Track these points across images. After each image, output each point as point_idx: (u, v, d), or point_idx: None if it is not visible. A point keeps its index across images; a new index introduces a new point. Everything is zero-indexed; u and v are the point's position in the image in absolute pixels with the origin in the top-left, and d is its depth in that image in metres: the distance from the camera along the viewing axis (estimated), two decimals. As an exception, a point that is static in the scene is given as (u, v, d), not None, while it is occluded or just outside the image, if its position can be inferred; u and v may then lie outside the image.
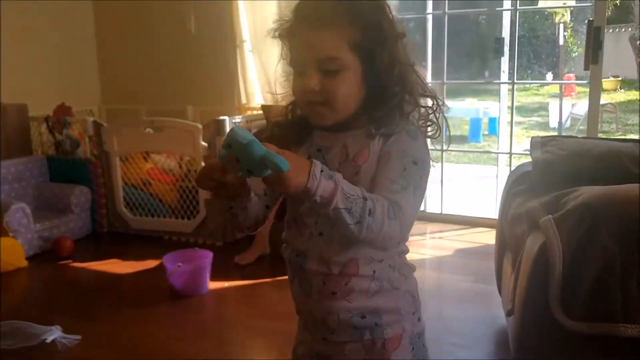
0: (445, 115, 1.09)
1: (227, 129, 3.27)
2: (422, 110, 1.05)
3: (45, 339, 2.23)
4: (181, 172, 3.55)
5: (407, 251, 1.10)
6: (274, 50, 3.75)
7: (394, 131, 1.01)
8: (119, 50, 4.58)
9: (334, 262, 1.03)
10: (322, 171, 0.89)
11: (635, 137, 3.77)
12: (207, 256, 2.75)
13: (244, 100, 4.00)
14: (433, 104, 1.06)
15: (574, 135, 4.44)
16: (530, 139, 2.37)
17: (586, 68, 3.21)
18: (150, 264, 3.09)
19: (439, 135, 1.07)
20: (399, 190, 0.96)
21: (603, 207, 1.45)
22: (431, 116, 1.05)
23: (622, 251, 1.41)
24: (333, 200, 0.89)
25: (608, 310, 1.42)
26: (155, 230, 3.54)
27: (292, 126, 1.11)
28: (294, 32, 1.02)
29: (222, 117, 3.29)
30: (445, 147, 1.35)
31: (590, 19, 3.13)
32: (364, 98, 1.02)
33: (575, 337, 1.47)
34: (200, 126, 3.33)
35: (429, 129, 1.06)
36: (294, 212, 1.08)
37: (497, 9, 3.94)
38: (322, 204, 0.90)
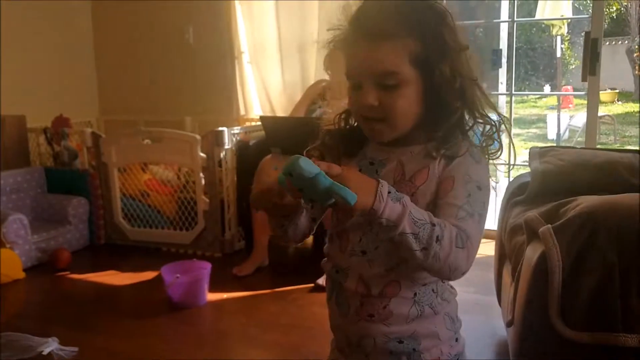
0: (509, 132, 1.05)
1: (226, 140, 3.27)
2: (485, 128, 1.00)
3: (42, 351, 2.21)
4: (179, 183, 3.54)
5: None
6: (273, 62, 3.75)
7: (457, 153, 0.96)
8: (118, 61, 4.59)
9: (374, 283, 0.99)
10: (389, 192, 0.86)
11: (633, 148, 3.78)
12: (206, 267, 2.74)
13: (242, 112, 4.00)
14: (496, 122, 1.00)
15: (572, 146, 4.44)
16: (528, 150, 2.37)
17: (584, 79, 3.22)
18: (149, 275, 3.07)
19: (500, 154, 1.02)
20: (465, 217, 0.92)
21: (602, 217, 1.45)
22: (494, 135, 1.01)
23: (622, 261, 1.41)
24: (400, 224, 0.85)
25: (608, 319, 1.42)
26: (154, 241, 3.53)
27: (344, 136, 1.07)
28: (350, 43, 0.97)
29: (220, 128, 3.30)
30: (512, 163, 1.22)
31: (588, 30, 3.15)
32: (423, 113, 0.97)
33: (575, 347, 1.47)
34: (198, 137, 3.33)
35: (490, 148, 1.01)
36: (339, 226, 1.04)
37: (495, 20, 3.97)
38: (388, 228, 0.86)
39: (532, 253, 1.56)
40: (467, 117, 0.99)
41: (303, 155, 0.86)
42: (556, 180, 2.06)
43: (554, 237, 1.48)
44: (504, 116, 1.02)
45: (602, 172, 2.10)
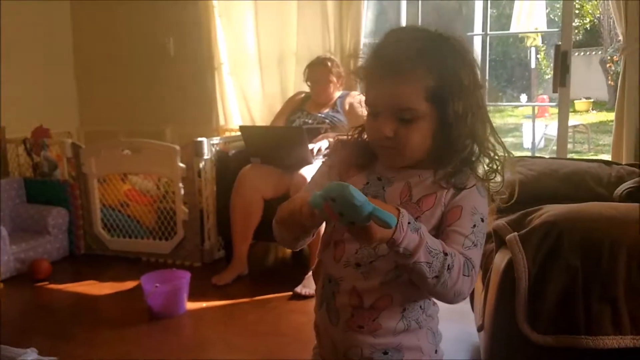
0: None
1: (205, 150, 3.30)
2: (490, 164, 1.05)
3: (21, 362, 2.23)
4: (159, 193, 3.57)
5: None
6: (253, 73, 3.81)
7: (465, 185, 1.01)
8: (98, 72, 4.60)
9: (367, 295, 1.03)
10: (409, 223, 0.89)
11: (606, 156, 3.88)
12: (185, 277, 2.76)
13: (222, 122, 4.04)
14: (501, 158, 1.04)
15: (544, 156, 4.55)
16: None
17: (554, 91, 3.32)
18: (128, 285, 3.08)
19: (500, 188, 1.06)
20: (471, 247, 0.98)
21: (565, 225, 1.51)
22: (498, 168, 1.04)
23: (584, 267, 1.46)
24: (416, 254, 0.90)
25: (571, 323, 1.47)
26: (133, 251, 3.54)
27: (356, 149, 1.11)
28: (372, 75, 1.02)
29: (200, 139, 3.33)
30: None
31: (558, 43, 3.25)
32: (435, 145, 1.02)
33: (542, 350, 1.51)
34: (178, 147, 3.36)
35: (492, 183, 1.05)
36: (337, 234, 1.07)
37: (468, 33, 4.05)
38: (404, 256, 0.90)
39: (500, 260, 1.62)
40: (475, 149, 1.03)
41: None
42: (526, 189, 2.11)
43: (520, 244, 1.53)
44: (511, 153, 1.07)
45: (569, 182, 2.18)
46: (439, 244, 0.94)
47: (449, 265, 0.93)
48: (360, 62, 1.05)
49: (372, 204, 0.85)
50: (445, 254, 0.93)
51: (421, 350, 1.07)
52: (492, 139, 1.04)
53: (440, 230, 1.02)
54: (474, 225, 1.00)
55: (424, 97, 0.98)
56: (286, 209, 0.97)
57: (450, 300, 0.98)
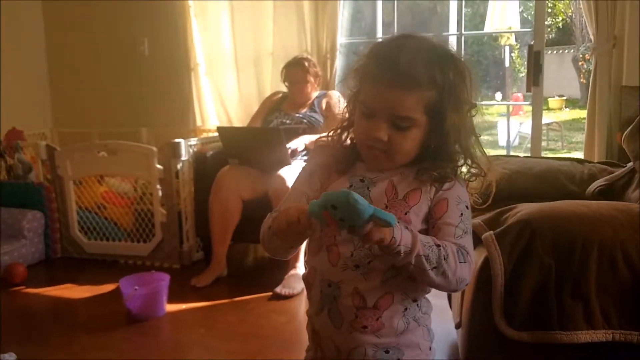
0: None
1: (183, 152, 3.29)
2: (472, 170, 1.10)
3: (-1, 367, 2.20)
4: (136, 195, 3.54)
5: (429, 290, 1.12)
6: (229, 74, 3.80)
7: (447, 178, 1.06)
8: (71, 73, 4.54)
9: (370, 295, 1.04)
10: (398, 221, 0.92)
11: (579, 154, 3.95)
12: (164, 279, 2.76)
13: (199, 123, 4.03)
14: (483, 168, 1.09)
15: (518, 154, 4.62)
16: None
17: (528, 90, 3.37)
18: (106, 288, 3.06)
19: (478, 192, 1.12)
20: (461, 235, 1.04)
21: (538, 223, 1.54)
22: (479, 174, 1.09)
23: (557, 264, 1.50)
24: (415, 248, 0.94)
25: (546, 319, 1.51)
26: (111, 254, 3.52)
27: (336, 154, 1.12)
28: (377, 78, 1.02)
29: (177, 140, 3.31)
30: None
31: (531, 43, 3.30)
32: (422, 150, 1.06)
33: (517, 346, 1.55)
34: (155, 149, 3.34)
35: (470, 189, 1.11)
36: (327, 239, 1.07)
37: (444, 33, 4.10)
38: (405, 254, 0.94)
39: (476, 258, 1.64)
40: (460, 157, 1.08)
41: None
42: (500, 188, 2.16)
43: (495, 242, 1.56)
44: (490, 159, 1.11)
45: (543, 180, 2.22)
46: (429, 237, 0.99)
47: (444, 256, 0.98)
48: (360, 59, 1.06)
49: (372, 206, 0.88)
50: (438, 246, 0.98)
51: (419, 347, 1.11)
52: (477, 151, 1.09)
53: (429, 224, 1.06)
54: (461, 214, 1.05)
55: (423, 109, 1.01)
56: (283, 220, 0.96)
57: (455, 289, 1.04)
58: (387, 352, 1.07)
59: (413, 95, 1.00)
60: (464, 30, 3.65)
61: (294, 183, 1.17)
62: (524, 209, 1.65)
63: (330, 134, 1.15)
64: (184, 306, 2.81)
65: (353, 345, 1.07)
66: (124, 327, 2.62)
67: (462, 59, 1.06)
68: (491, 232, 1.60)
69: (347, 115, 1.13)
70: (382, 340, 1.06)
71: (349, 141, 1.13)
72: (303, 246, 3.07)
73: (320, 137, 1.18)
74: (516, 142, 8.63)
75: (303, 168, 1.17)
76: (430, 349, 1.14)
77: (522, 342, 1.54)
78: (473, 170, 1.10)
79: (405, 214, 1.04)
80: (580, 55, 11.57)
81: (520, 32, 8.95)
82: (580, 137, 9.38)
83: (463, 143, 1.06)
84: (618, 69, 3.05)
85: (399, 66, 0.99)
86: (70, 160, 3.50)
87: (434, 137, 1.05)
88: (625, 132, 2.14)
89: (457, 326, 1.86)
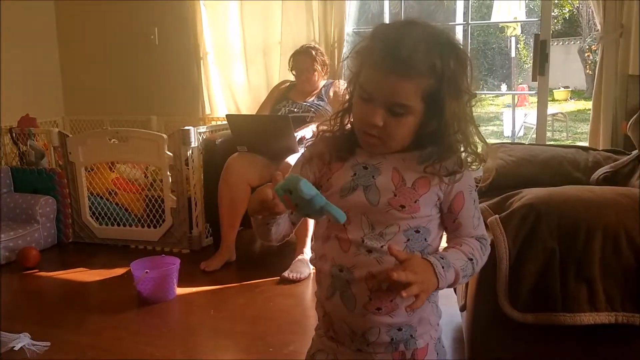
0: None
1: (192, 139, 3.34)
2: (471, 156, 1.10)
3: (14, 347, 2.24)
4: (147, 182, 3.59)
5: None
6: (238, 63, 3.82)
7: (456, 172, 1.06)
8: (82, 61, 4.59)
9: (384, 277, 1.02)
10: (442, 267, 1.00)
11: (584, 144, 3.97)
12: (175, 262, 2.80)
13: (208, 111, 4.07)
14: (483, 152, 1.10)
15: (521, 142, 4.64)
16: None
17: (534, 79, 3.39)
18: (117, 272, 3.12)
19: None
20: (478, 223, 1.11)
21: (544, 207, 1.57)
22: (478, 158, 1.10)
23: (561, 247, 1.52)
24: (457, 282, 1.04)
25: (550, 301, 1.53)
26: (122, 239, 3.57)
27: (336, 142, 1.12)
28: (377, 64, 1.01)
29: (187, 127, 3.36)
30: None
31: (537, 33, 3.32)
32: (416, 136, 1.06)
33: (522, 328, 1.57)
34: (165, 136, 3.39)
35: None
36: (335, 227, 1.08)
37: (450, 23, 4.12)
38: (449, 286, 1.03)
39: (489, 246, 1.68)
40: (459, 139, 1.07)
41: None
42: (506, 174, 2.19)
43: (501, 226, 1.58)
44: (490, 146, 1.13)
45: (548, 167, 2.24)
46: (463, 256, 1.06)
47: (475, 264, 1.07)
48: (363, 41, 1.05)
49: (324, 199, 0.92)
50: (471, 259, 1.07)
51: (429, 322, 1.14)
52: (476, 138, 1.10)
53: (447, 217, 1.10)
54: (474, 201, 1.11)
55: (421, 96, 1.01)
56: (256, 199, 1.00)
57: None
58: (399, 329, 1.10)
59: (412, 84, 0.99)
60: (470, 21, 3.67)
61: (293, 166, 1.18)
62: (529, 193, 1.68)
63: (332, 120, 1.14)
64: (193, 289, 2.85)
65: (368, 326, 1.08)
66: (135, 309, 2.67)
67: (462, 47, 1.06)
68: (497, 215, 1.63)
69: (346, 97, 1.12)
70: (395, 320, 1.08)
71: (349, 125, 1.13)
72: (310, 232, 3.09)
73: (323, 121, 1.16)
74: (521, 133, 8.63)
75: (302, 154, 1.17)
76: (438, 325, 1.18)
77: (526, 324, 1.56)
78: (471, 159, 1.10)
79: (415, 202, 1.04)
80: (587, 47, 11.53)
81: (526, 23, 8.93)
82: (586, 128, 9.37)
83: (463, 132, 1.06)
84: (624, 58, 3.06)
85: (400, 54, 0.97)
86: (82, 147, 3.54)
87: (431, 124, 1.04)
88: (631, 120, 2.16)
89: (462, 309, 1.89)
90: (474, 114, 1.10)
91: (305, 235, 2.96)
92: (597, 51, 3.24)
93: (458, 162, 1.07)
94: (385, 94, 1.00)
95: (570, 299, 1.53)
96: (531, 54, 3.43)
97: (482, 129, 1.14)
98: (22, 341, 2.29)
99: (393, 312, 1.07)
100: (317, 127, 1.18)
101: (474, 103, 1.08)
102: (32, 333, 2.33)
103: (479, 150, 1.10)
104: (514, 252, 1.57)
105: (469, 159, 1.09)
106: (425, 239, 1.08)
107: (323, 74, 3.42)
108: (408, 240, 1.06)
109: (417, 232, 1.07)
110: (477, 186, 1.14)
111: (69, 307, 2.74)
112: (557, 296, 1.53)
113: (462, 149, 1.08)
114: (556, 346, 1.62)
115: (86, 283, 3.02)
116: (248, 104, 3.96)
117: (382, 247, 1.04)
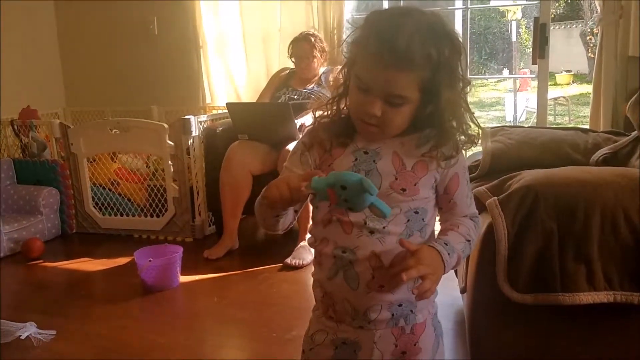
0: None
1: (193, 128, 3.34)
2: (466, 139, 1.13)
3: (20, 336, 2.27)
4: (149, 171, 3.61)
5: None
6: (237, 52, 3.82)
7: (452, 157, 1.10)
8: (82, 52, 4.60)
9: (386, 256, 1.07)
10: (448, 254, 1.06)
11: (586, 127, 3.97)
12: (178, 251, 2.82)
13: (208, 100, 4.08)
14: (472, 138, 1.13)
15: (520, 125, 4.63)
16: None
17: (534, 62, 3.38)
18: (121, 261, 3.14)
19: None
20: (471, 203, 1.17)
21: (541, 189, 1.57)
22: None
23: (560, 227, 1.53)
24: (459, 263, 1.11)
25: (548, 281, 1.54)
26: (125, 229, 3.60)
27: (335, 129, 1.13)
28: (371, 57, 1.02)
29: (187, 116, 3.37)
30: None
31: (537, 16, 3.31)
32: (415, 120, 1.07)
33: (521, 308, 1.58)
34: (166, 125, 3.40)
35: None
36: (336, 211, 1.09)
37: (450, 7, 4.11)
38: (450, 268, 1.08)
39: (480, 223, 1.69)
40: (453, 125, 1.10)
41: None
42: (505, 157, 2.18)
43: (499, 208, 1.59)
44: (484, 129, 1.18)
45: (547, 149, 2.24)
46: (462, 238, 1.11)
47: (471, 243, 1.14)
48: (357, 30, 1.06)
49: (375, 195, 0.95)
50: (468, 240, 1.12)
51: (428, 298, 1.15)
52: (470, 124, 1.12)
53: (442, 198, 1.14)
54: (467, 182, 1.15)
55: (417, 87, 1.02)
56: (285, 186, 1.01)
57: None
58: (400, 305, 1.12)
59: (408, 76, 1.01)
60: (470, 5, 3.65)
61: (286, 163, 1.19)
62: (527, 175, 1.69)
63: (328, 106, 1.15)
64: (197, 277, 2.87)
65: (370, 304, 1.10)
66: (140, 298, 2.70)
67: (456, 34, 1.06)
68: (495, 197, 1.64)
69: (341, 81, 1.12)
70: (396, 297, 1.11)
71: (346, 109, 1.13)
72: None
73: (319, 105, 1.17)
74: (523, 117, 8.61)
75: (302, 142, 1.18)
76: (434, 301, 1.21)
77: (526, 304, 1.57)
78: (463, 142, 1.12)
79: (415, 184, 1.08)
80: (589, 30, 11.46)
81: (527, 7, 8.89)
82: (588, 111, 9.29)
83: (459, 118, 1.09)
84: (624, 40, 3.04)
85: (396, 47, 0.98)
86: (83, 137, 3.56)
87: (427, 109, 1.05)
88: (630, 101, 2.16)
89: (462, 291, 1.90)
90: (475, 99, 1.12)
91: (307, 222, 2.97)
92: (598, 34, 3.22)
93: (454, 147, 1.10)
94: (383, 86, 1.02)
95: (568, 279, 1.53)
96: (532, 38, 3.41)
97: (484, 113, 1.18)
98: (29, 330, 2.31)
99: (394, 289, 1.10)
100: (313, 111, 1.18)
101: (468, 90, 1.10)
102: (38, 322, 2.36)
103: (473, 132, 1.13)
104: (513, 233, 1.58)
105: (462, 139, 1.12)
106: (423, 219, 1.11)
107: (322, 61, 3.42)
108: (408, 220, 1.09)
109: (416, 212, 1.10)
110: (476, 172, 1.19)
111: (74, 297, 2.77)
112: (555, 276, 1.54)
113: (457, 134, 1.11)
114: (556, 326, 1.63)
115: (90, 272, 3.05)
116: (248, 92, 3.96)
117: (384, 228, 1.07)
